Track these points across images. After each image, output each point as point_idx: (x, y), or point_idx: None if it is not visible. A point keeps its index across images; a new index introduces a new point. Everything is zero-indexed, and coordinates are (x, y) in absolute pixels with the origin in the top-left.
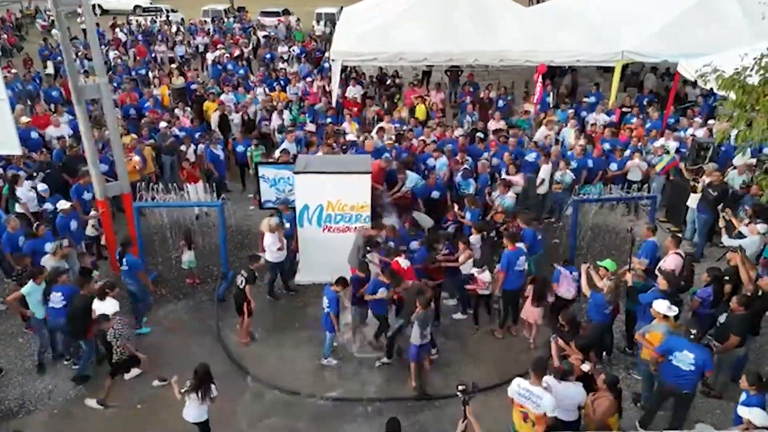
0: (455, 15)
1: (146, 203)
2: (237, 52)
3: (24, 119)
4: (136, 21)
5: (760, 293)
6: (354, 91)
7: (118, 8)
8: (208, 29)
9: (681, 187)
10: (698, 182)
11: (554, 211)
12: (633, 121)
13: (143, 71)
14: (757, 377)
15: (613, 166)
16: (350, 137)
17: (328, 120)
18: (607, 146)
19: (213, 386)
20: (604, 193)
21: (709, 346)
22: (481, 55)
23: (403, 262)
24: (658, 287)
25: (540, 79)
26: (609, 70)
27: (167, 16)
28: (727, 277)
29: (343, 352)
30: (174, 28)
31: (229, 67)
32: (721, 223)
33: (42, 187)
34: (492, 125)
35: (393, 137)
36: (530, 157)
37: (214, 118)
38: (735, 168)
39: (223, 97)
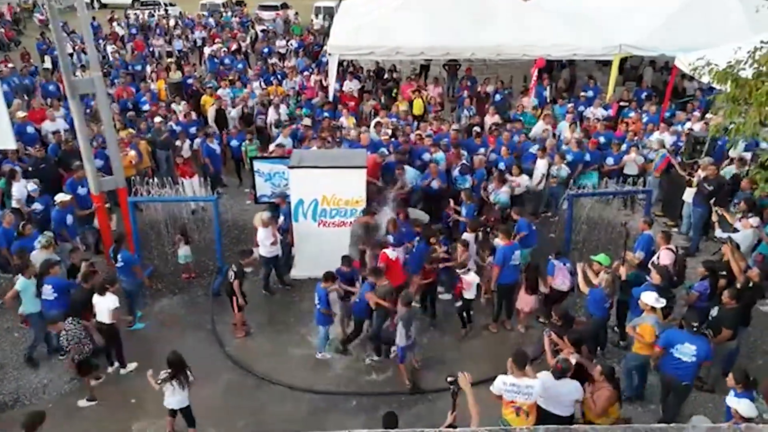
0: (452, 9)
1: (141, 198)
2: (235, 47)
3: (20, 114)
4: (134, 15)
5: (750, 284)
6: (351, 86)
7: (116, 2)
8: (206, 23)
9: (677, 182)
10: (693, 176)
11: (551, 205)
12: (631, 115)
13: (139, 67)
14: (744, 375)
15: (610, 161)
16: (353, 133)
17: (325, 114)
18: (602, 140)
19: (189, 372)
20: (600, 187)
21: (706, 334)
22: (479, 49)
23: (391, 253)
24: (651, 281)
25: (536, 73)
26: (608, 63)
27: (166, 10)
28: (723, 272)
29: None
30: (172, 22)
31: (227, 61)
32: (714, 217)
33: (32, 186)
34: (487, 120)
35: (389, 132)
36: (533, 149)
37: (210, 113)
38: (732, 162)
39: (219, 91)
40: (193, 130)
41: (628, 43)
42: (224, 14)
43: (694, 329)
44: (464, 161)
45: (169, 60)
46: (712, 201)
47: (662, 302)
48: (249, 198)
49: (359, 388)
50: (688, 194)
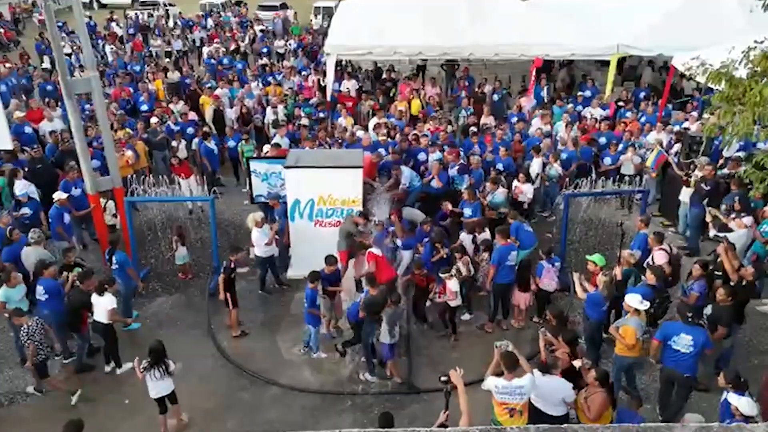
0: (450, 9)
1: (138, 198)
2: (233, 46)
3: (18, 114)
4: (135, 15)
5: (744, 283)
6: (349, 86)
7: (116, 2)
8: (205, 23)
9: (674, 182)
10: (690, 176)
11: (547, 205)
12: (627, 115)
13: (138, 68)
14: (736, 375)
15: (607, 161)
16: (359, 133)
17: (320, 114)
18: (603, 140)
19: (170, 361)
20: (597, 186)
21: (701, 324)
22: (476, 49)
23: (376, 251)
24: (647, 281)
25: (534, 73)
26: (606, 63)
27: (166, 11)
28: (719, 272)
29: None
30: (171, 23)
31: (225, 61)
32: (708, 218)
33: (21, 191)
34: (482, 120)
35: (385, 132)
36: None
37: (208, 113)
38: (726, 162)
39: (218, 91)
40: (190, 130)
41: (626, 42)
42: (223, 14)
43: (689, 319)
44: (462, 161)
45: (167, 60)
46: (705, 201)
47: (646, 305)
48: (247, 197)
49: (354, 387)
50: (685, 194)
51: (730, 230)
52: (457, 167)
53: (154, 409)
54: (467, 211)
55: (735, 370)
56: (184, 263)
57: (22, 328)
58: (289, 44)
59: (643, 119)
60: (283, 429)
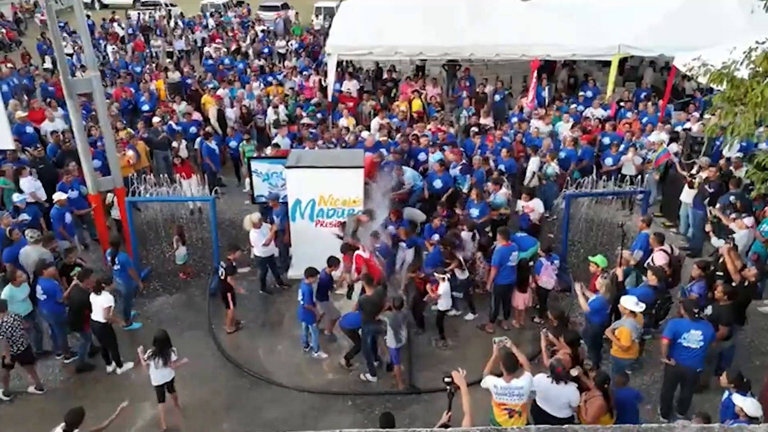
0: (451, 9)
1: (138, 197)
2: (235, 47)
3: (20, 114)
4: (137, 15)
5: (746, 284)
6: (350, 86)
7: (118, 2)
8: (206, 23)
9: (675, 182)
10: (695, 178)
11: (546, 205)
12: (628, 115)
13: (138, 69)
14: (738, 375)
15: (609, 161)
16: (351, 137)
17: (318, 115)
18: (607, 140)
19: (172, 351)
20: (598, 186)
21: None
22: (477, 49)
23: (363, 253)
24: (648, 282)
25: (535, 75)
26: (607, 64)
27: (169, 11)
28: (721, 273)
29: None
30: (172, 23)
31: (227, 61)
32: (708, 227)
33: (18, 197)
34: (489, 121)
35: (386, 132)
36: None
37: (212, 113)
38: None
39: (219, 91)
40: (192, 129)
41: (627, 43)
42: (224, 15)
43: (696, 315)
44: (463, 161)
45: (168, 60)
46: (706, 201)
47: (641, 307)
48: (248, 197)
49: (354, 387)
50: (686, 194)
51: (731, 232)
52: (459, 167)
53: (153, 409)
54: (474, 212)
55: (737, 370)
56: (184, 263)
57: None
58: (291, 44)
59: (644, 120)
60: (283, 429)
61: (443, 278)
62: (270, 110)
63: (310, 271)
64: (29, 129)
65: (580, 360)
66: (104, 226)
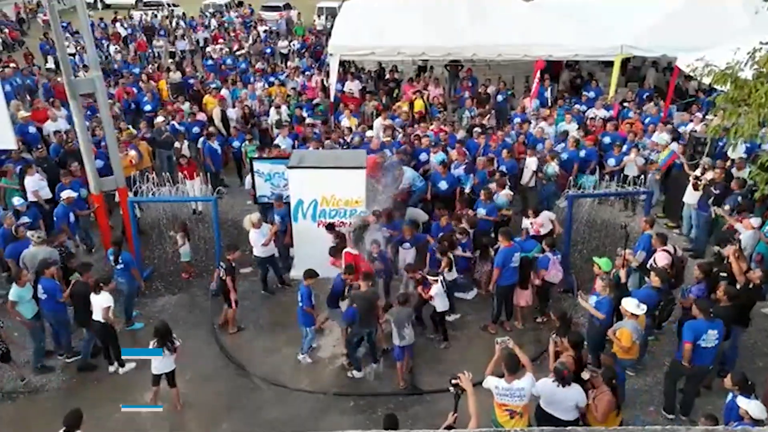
0: (453, 9)
1: (140, 198)
2: (237, 47)
3: (22, 113)
4: (140, 15)
5: (751, 286)
6: (352, 86)
7: (120, 2)
8: (208, 23)
9: (678, 183)
10: (700, 180)
11: (543, 205)
12: (630, 115)
13: (137, 70)
14: (742, 378)
15: (611, 162)
16: (356, 139)
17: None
18: (607, 140)
19: (174, 338)
20: (600, 188)
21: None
22: (479, 50)
23: (352, 251)
24: (651, 284)
25: (538, 75)
26: (610, 64)
27: (171, 11)
28: (725, 274)
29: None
30: (174, 23)
31: (229, 61)
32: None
33: (18, 201)
34: (483, 121)
35: (390, 133)
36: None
37: (216, 113)
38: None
39: (223, 92)
40: (195, 129)
41: (629, 43)
42: (226, 15)
43: (711, 314)
44: (467, 161)
45: (170, 60)
46: (710, 201)
47: (643, 309)
48: (250, 194)
49: (356, 388)
50: (689, 195)
51: (734, 234)
52: (462, 167)
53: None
54: (482, 211)
55: (741, 372)
56: (188, 261)
57: None
58: (293, 45)
59: (647, 120)
60: (284, 430)
61: (435, 279)
62: (272, 110)
63: (310, 273)
64: (32, 129)
65: (584, 362)
66: (107, 227)
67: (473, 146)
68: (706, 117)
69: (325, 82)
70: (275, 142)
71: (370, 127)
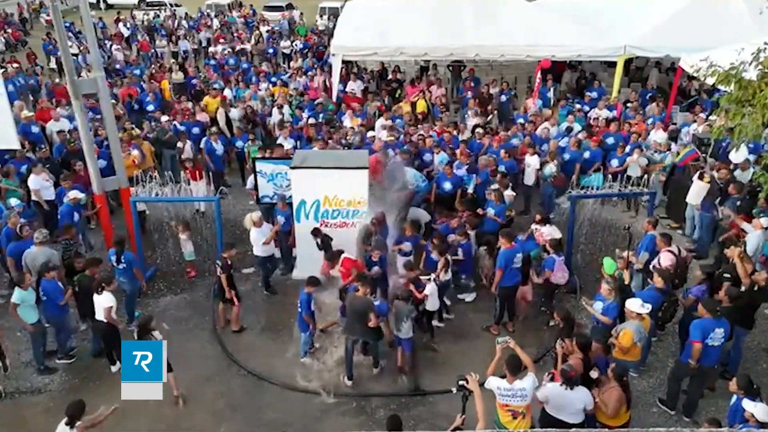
0: (456, 9)
1: (143, 197)
2: (239, 47)
3: (25, 113)
4: (143, 15)
5: (756, 288)
6: (354, 86)
7: (122, 2)
8: (210, 23)
9: (681, 184)
10: (704, 175)
11: (544, 205)
12: (631, 115)
13: (138, 71)
14: (748, 381)
15: (614, 162)
16: (357, 139)
17: (321, 115)
18: (611, 141)
19: (154, 333)
20: (603, 188)
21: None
22: (482, 50)
23: (350, 255)
24: (654, 285)
25: (540, 75)
26: (613, 65)
27: (173, 11)
28: (728, 275)
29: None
30: (176, 23)
31: (231, 62)
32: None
33: (16, 202)
34: (475, 121)
35: (394, 133)
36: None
37: (220, 114)
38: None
39: (226, 92)
40: (195, 130)
41: (632, 44)
42: (228, 15)
43: (718, 312)
44: (469, 161)
45: (173, 61)
46: (717, 201)
47: (647, 308)
48: (251, 194)
49: (358, 389)
50: (692, 196)
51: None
52: (465, 167)
53: (153, 410)
54: (491, 212)
55: (747, 375)
56: (192, 260)
57: None
58: (295, 45)
59: (650, 120)
60: (286, 430)
61: (429, 279)
62: (275, 111)
63: (312, 281)
64: (35, 129)
65: (591, 365)
66: (109, 227)
67: (476, 147)
68: (710, 118)
69: (327, 83)
70: (278, 141)
71: (372, 128)
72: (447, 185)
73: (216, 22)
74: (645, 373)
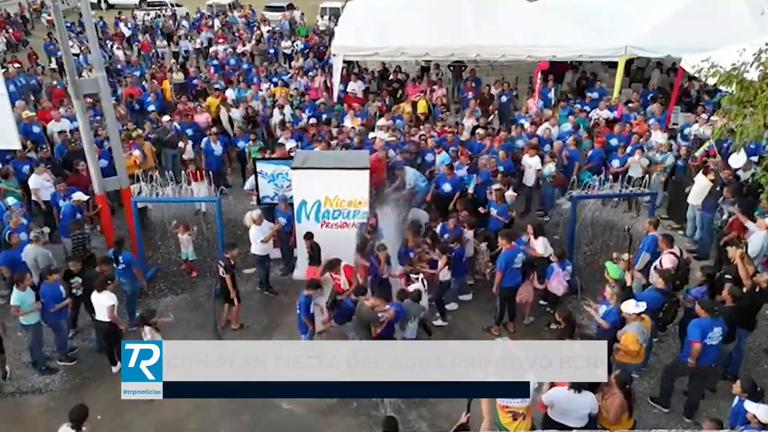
0: (457, 10)
1: (144, 198)
2: (240, 47)
3: (26, 113)
4: (144, 15)
5: (757, 289)
6: (355, 87)
7: (123, 2)
8: (212, 24)
9: (682, 184)
10: (709, 171)
11: (544, 205)
12: (632, 116)
13: (137, 73)
14: (752, 384)
15: (615, 163)
16: (357, 140)
17: (324, 116)
18: (614, 142)
19: (145, 329)
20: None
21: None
22: (483, 50)
23: (353, 263)
24: (655, 286)
25: (540, 76)
26: (614, 65)
27: (174, 12)
28: (729, 276)
29: None
30: (177, 24)
31: (232, 62)
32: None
33: (13, 201)
34: (472, 122)
35: (395, 134)
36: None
37: (223, 114)
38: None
39: (227, 92)
40: (188, 131)
41: (633, 44)
42: (230, 15)
43: (715, 311)
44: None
45: (173, 61)
46: (720, 200)
47: (642, 306)
48: (251, 194)
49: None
50: (693, 196)
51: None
52: (466, 167)
53: (152, 410)
54: (494, 211)
55: (751, 378)
56: (192, 260)
57: None
58: (296, 45)
59: (650, 121)
60: (287, 430)
61: (417, 278)
62: (276, 111)
63: (311, 284)
64: (36, 129)
65: None
66: (110, 228)
67: (477, 147)
68: (711, 118)
69: (328, 83)
70: (279, 142)
71: (373, 128)
72: (447, 186)
73: (217, 23)
74: (646, 374)
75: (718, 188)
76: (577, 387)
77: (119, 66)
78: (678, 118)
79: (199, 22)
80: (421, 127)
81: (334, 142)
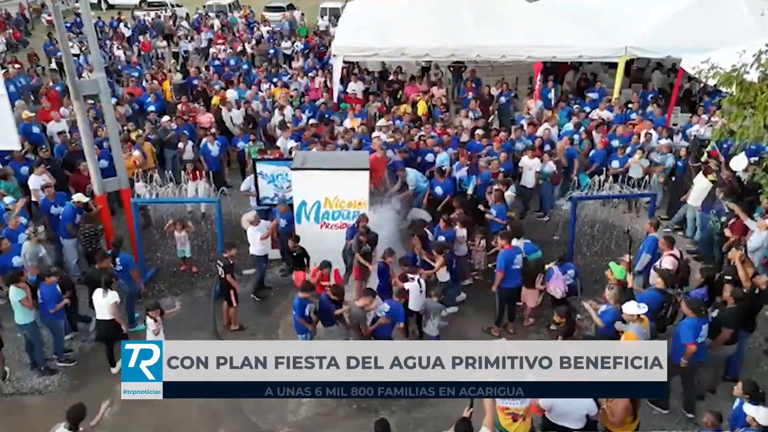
0: (457, 10)
1: (143, 199)
2: (240, 48)
3: (26, 113)
4: (144, 15)
5: (757, 291)
6: (355, 87)
7: (124, 3)
8: (212, 24)
9: (683, 185)
10: (710, 172)
11: (542, 206)
12: (632, 117)
13: (136, 73)
14: (753, 386)
15: (615, 163)
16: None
17: (327, 116)
18: (616, 143)
19: (147, 321)
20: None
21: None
22: (483, 51)
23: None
24: (655, 286)
25: (539, 77)
26: (614, 66)
27: (173, 12)
28: (729, 278)
29: None
30: (176, 24)
31: (232, 62)
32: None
33: (10, 199)
34: (466, 122)
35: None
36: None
37: (225, 114)
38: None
39: (228, 92)
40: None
41: (634, 45)
42: (230, 15)
43: (702, 312)
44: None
45: (173, 62)
46: (721, 196)
47: (644, 308)
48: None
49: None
50: (692, 197)
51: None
52: (465, 168)
53: (151, 411)
54: (493, 211)
55: (752, 380)
56: (189, 257)
57: None
58: (296, 45)
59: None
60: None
61: (412, 278)
62: (276, 111)
63: (305, 287)
64: (35, 129)
65: None
66: (110, 229)
67: (476, 148)
68: (711, 119)
69: (328, 83)
70: (279, 143)
71: (374, 129)
72: (438, 190)
73: (217, 23)
74: None
75: (717, 188)
76: None
77: (120, 66)
78: (678, 119)
79: (199, 23)
80: (422, 128)
81: (340, 142)
